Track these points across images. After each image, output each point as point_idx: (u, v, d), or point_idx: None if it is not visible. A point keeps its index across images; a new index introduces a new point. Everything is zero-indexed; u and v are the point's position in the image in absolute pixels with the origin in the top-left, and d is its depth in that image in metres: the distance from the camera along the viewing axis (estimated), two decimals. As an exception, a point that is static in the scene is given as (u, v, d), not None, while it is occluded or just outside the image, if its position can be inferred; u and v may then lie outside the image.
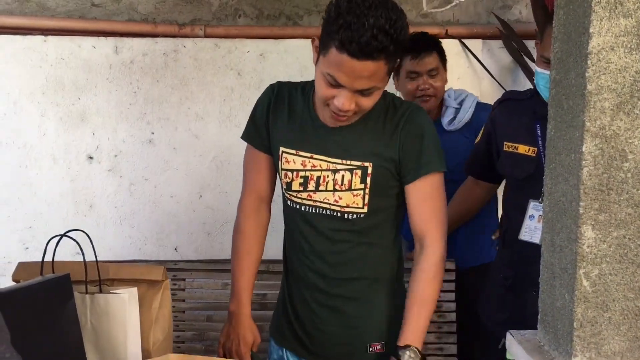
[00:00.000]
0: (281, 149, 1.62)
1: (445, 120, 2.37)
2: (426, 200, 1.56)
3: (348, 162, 1.56)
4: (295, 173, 1.60)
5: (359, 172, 1.56)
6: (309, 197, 1.60)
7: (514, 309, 1.84)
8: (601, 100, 1.13)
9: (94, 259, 1.28)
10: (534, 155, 1.82)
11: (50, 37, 2.71)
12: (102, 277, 1.30)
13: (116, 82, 2.73)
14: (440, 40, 2.43)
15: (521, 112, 1.87)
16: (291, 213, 1.66)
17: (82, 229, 1.25)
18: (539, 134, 1.81)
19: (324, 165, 1.57)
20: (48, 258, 1.23)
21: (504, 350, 1.82)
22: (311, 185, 1.59)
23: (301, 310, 1.67)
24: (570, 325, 1.19)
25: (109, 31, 2.74)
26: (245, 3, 2.82)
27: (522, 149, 1.84)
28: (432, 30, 2.71)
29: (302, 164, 1.59)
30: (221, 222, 2.81)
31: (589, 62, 1.12)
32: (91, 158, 2.77)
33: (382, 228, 1.63)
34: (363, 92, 1.44)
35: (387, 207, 1.61)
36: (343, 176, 1.56)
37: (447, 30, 2.70)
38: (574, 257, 1.17)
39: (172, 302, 2.23)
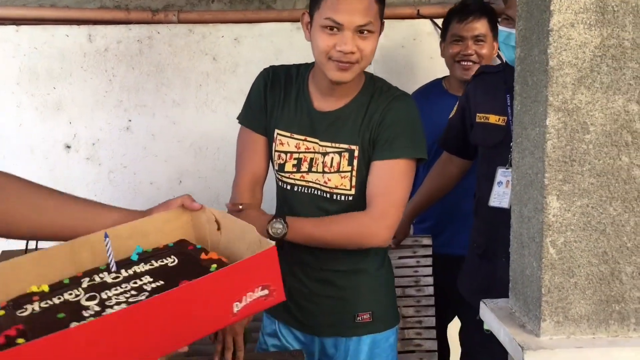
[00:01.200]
0: (276, 131, 1.68)
1: None
2: (383, 180, 1.59)
3: (337, 144, 1.63)
4: (289, 155, 1.66)
5: (346, 154, 1.62)
6: (301, 178, 1.66)
7: (485, 276, 1.91)
8: (563, 76, 1.18)
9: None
10: (504, 124, 1.88)
11: (22, 27, 2.69)
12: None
13: (91, 70, 2.72)
14: (493, 9, 2.34)
15: (493, 84, 1.94)
16: (283, 193, 1.72)
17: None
18: (509, 104, 1.88)
19: (316, 148, 1.63)
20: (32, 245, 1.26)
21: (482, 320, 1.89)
22: (304, 167, 1.65)
23: (292, 285, 1.72)
24: (538, 291, 1.25)
25: (82, 19, 2.72)
26: (218, -13, 2.82)
27: (493, 118, 1.91)
28: (403, 10, 2.75)
29: (296, 146, 1.65)
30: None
31: (550, 39, 1.17)
32: (69, 147, 2.77)
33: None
34: (361, 32, 1.51)
35: None
36: (332, 158, 1.62)
37: (419, 10, 2.73)
38: (540, 227, 1.23)
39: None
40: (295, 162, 1.66)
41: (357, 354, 1.71)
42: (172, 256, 1.08)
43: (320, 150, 1.63)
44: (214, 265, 1.00)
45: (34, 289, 1.01)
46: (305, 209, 1.67)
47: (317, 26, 1.54)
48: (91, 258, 1.06)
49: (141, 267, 1.05)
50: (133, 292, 0.97)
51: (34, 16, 2.72)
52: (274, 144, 1.68)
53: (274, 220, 1.57)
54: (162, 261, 1.06)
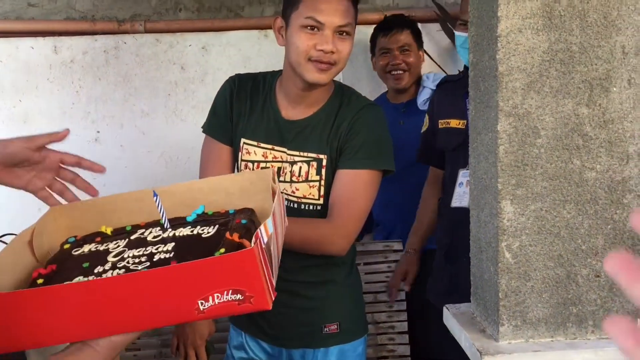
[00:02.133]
0: (242, 140, 1.65)
1: (420, 100, 2.47)
2: (347, 190, 1.57)
3: (305, 154, 1.61)
4: (255, 164, 1.64)
5: (314, 163, 1.60)
6: None
7: (450, 278, 1.92)
8: (512, 81, 1.18)
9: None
10: (463, 127, 1.91)
11: (-14, 40, 2.67)
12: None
13: (57, 82, 2.70)
14: (414, 21, 2.56)
15: (454, 91, 1.98)
16: None
17: (16, 233, 1.25)
18: (467, 108, 1.87)
19: (284, 157, 1.62)
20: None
21: None
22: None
23: None
24: (496, 295, 1.25)
25: (47, 31, 2.70)
26: (185, -4, 2.81)
27: (454, 123, 1.96)
28: (371, 16, 2.76)
29: (263, 156, 1.63)
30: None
31: (498, 44, 1.17)
32: (37, 160, 2.73)
33: None
34: (340, 33, 1.52)
35: None
36: (300, 167, 1.61)
37: (385, 15, 2.73)
38: (495, 231, 1.23)
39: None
40: None
41: None
42: (216, 226, 1.05)
43: (288, 160, 1.62)
44: (222, 250, 0.94)
45: (102, 229, 1.11)
46: None
47: (295, 27, 1.53)
48: (166, 208, 1.07)
49: (181, 232, 1.05)
50: (142, 259, 0.98)
51: (-1, 29, 2.69)
52: (240, 154, 1.67)
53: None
54: (203, 229, 1.05)
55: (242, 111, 1.67)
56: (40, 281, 0.97)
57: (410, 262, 2.23)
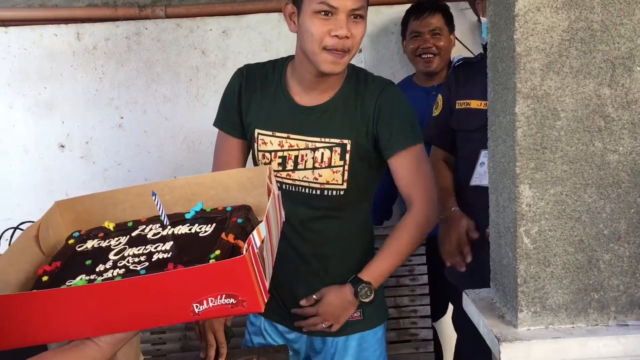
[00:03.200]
0: (256, 131, 1.65)
1: None
2: (410, 171, 1.62)
3: (327, 139, 1.60)
4: (273, 154, 1.64)
5: (338, 149, 1.59)
6: (287, 177, 1.64)
7: (476, 261, 1.89)
8: (530, 61, 1.15)
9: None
10: (485, 108, 1.84)
11: (11, 28, 2.69)
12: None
13: (81, 68, 2.72)
14: (446, 4, 2.55)
15: (473, 72, 1.94)
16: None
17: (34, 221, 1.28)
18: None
19: (302, 145, 1.61)
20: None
21: None
22: (289, 165, 1.63)
23: (279, 284, 1.72)
24: (514, 281, 1.23)
25: (70, 18, 2.71)
26: (205, -20, 2.80)
27: (475, 103, 1.91)
28: (395, -6, 2.71)
29: (279, 145, 1.63)
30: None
31: (516, 24, 1.14)
32: (63, 146, 2.77)
33: (357, 202, 1.69)
34: (354, 16, 1.51)
35: (364, 183, 1.67)
36: (323, 154, 1.60)
37: (408, -5, 2.69)
38: (514, 216, 1.21)
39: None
40: (280, 160, 1.64)
41: (346, 349, 1.71)
42: (213, 224, 1.09)
43: (309, 146, 1.61)
44: (217, 252, 0.98)
45: (106, 224, 1.14)
46: (292, 208, 1.65)
47: (308, 13, 1.51)
48: (165, 203, 1.10)
49: (180, 229, 1.09)
50: (142, 259, 1.02)
51: (23, 17, 2.72)
52: (255, 145, 1.66)
53: (359, 288, 1.61)
54: (200, 227, 1.08)
55: (252, 102, 1.66)
56: (45, 278, 1.01)
57: (462, 218, 1.91)
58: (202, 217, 1.13)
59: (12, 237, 1.25)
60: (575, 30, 1.14)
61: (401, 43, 2.62)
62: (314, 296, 1.66)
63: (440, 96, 2.11)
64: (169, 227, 1.09)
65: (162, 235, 1.08)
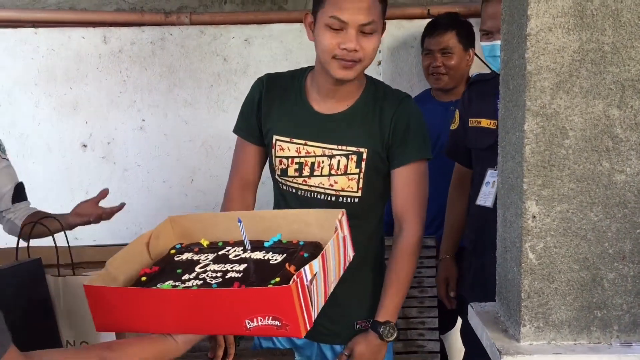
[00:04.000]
0: (275, 137, 1.69)
1: None
2: (409, 185, 1.65)
3: (344, 147, 1.64)
4: (290, 160, 1.67)
5: (354, 157, 1.63)
6: (304, 182, 1.67)
7: (476, 272, 1.91)
8: (541, 80, 1.17)
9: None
10: (494, 127, 1.90)
11: (40, 29, 2.77)
12: (79, 260, 1.38)
13: (106, 71, 2.78)
14: (465, 21, 2.54)
15: (486, 90, 1.97)
16: (285, 197, 1.73)
17: (54, 216, 1.33)
18: (498, 108, 1.87)
19: (319, 152, 1.64)
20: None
21: None
22: (306, 171, 1.66)
23: None
24: (518, 296, 1.25)
25: (98, 21, 2.78)
26: (230, -11, 2.85)
27: (485, 122, 1.95)
28: (414, 10, 2.75)
29: (296, 151, 1.67)
30: (213, 205, 2.87)
31: (528, 43, 1.16)
32: (85, 146, 2.84)
33: (370, 211, 1.71)
34: (364, 31, 1.54)
35: (378, 191, 1.70)
36: (339, 161, 1.64)
37: (429, 10, 2.72)
38: (520, 231, 1.23)
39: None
40: (297, 166, 1.67)
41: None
42: (284, 255, 1.23)
43: (326, 154, 1.64)
44: (277, 279, 1.11)
45: (202, 241, 1.33)
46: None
47: (321, 25, 1.56)
48: (256, 231, 1.29)
49: (257, 255, 1.25)
50: (217, 275, 1.18)
51: (52, 19, 2.80)
52: (273, 150, 1.70)
53: (381, 330, 1.64)
54: (273, 256, 1.23)
55: (272, 110, 1.70)
56: (144, 279, 1.20)
57: (446, 267, 2.22)
58: (278, 247, 1.28)
59: (31, 230, 1.30)
60: (586, 51, 1.16)
61: (412, 56, 2.68)
62: (345, 352, 1.69)
63: (457, 110, 2.13)
64: (249, 251, 1.26)
65: (241, 257, 1.24)
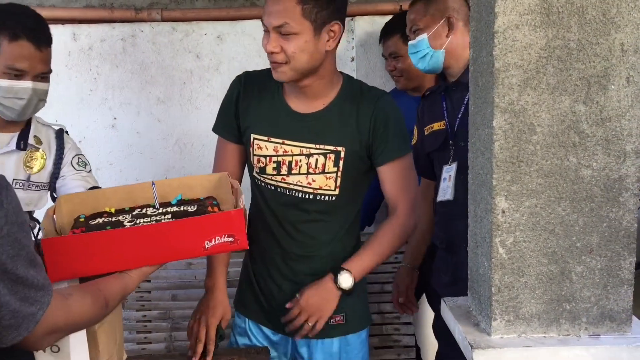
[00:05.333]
0: (252, 135, 1.69)
1: None
2: (398, 180, 1.70)
3: (321, 146, 1.65)
4: (268, 158, 1.68)
5: (332, 156, 1.64)
6: (282, 180, 1.68)
7: (454, 269, 1.93)
8: (509, 77, 1.18)
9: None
10: (444, 127, 1.97)
11: (7, 26, 2.72)
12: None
13: (76, 68, 2.75)
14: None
15: (435, 99, 2.04)
16: (263, 193, 1.73)
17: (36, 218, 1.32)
18: (445, 108, 1.97)
19: (296, 151, 1.65)
20: None
21: None
22: (284, 170, 1.67)
23: (265, 285, 1.75)
24: (489, 290, 1.26)
25: (67, 18, 2.74)
26: (202, -15, 2.83)
27: (436, 125, 2.01)
28: (385, 6, 2.76)
29: (274, 150, 1.67)
30: (187, 204, 2.87)
31: (495, 40, 1.18)
32: (56, 145, 2.79)
33: (347, 209, 1.74)
34: (281, 33, 1.55)
35: (355, 190, 1.73)
36: (317, 160, 1.65)
37: (401, 5, 2.72)
38: (490, 227, 1.24)
39: (137, 283, 2.30)
40: (275, 165, 1.68)
41: (330, 349, 1.73)
42: (195, 205, 1.40)
43: (304, 152, 1.65)
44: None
45: (107, 209, 1.45)
46: (285, 210, 1.70)
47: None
48: (148, 198, 1.46)
49: (171, 209, 1.40)
50: (153, 221, 1.34)
51: (20, 16, 2.74)
52: (251, 149, 1.70)
53: (340, 274, 1.66)
54: (186, 208, 1.39)
55: (250, 108, 1.71)
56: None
57: (404, 275, 2.20)
58: (184, 202, 1.44)
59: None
60: (552, 48, 1.17)
61: None
62: (297, 295, 1.69)
63: (415, 126, 2.16)
64: (161, 208, 1.40)
65: (159, 212, 1.38)
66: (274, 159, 1.67)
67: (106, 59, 2.75)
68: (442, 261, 2.02)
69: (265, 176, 1.70)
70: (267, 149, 1.68)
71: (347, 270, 1.66)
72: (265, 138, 1.68)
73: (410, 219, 1.72)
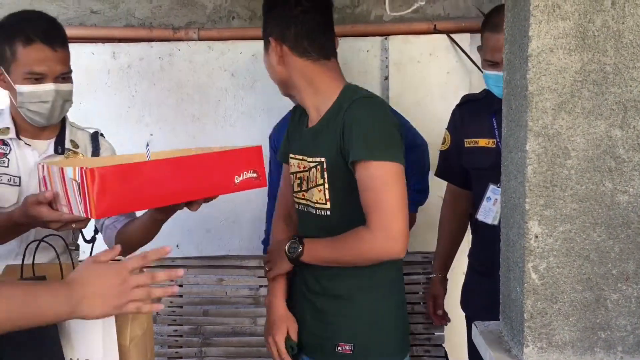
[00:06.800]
0: (290, 154, 1.73)
1: None
2: (366, 191, 1.50)
3: (313, 158, 1.62)
4: (294, 175, 1.69)
5: (319, 167, 1.60)
6: (302, 197, 1.68)
7: (488, 294, 1.90)
8: (542, 101, 1.17)
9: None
10: (494, 146, 1.93)
11: (51, 45, 2.80)
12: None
13: (115, 86, 2.81)
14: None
15: (478, 110, 2.00)
16: (297, 213, 1.74)
17: (59, 234, 1.34)
18: (495, 126, 1.93)
19: (307, 165, 1.64)
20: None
21: None
22: (304, 185, 1.66)
23: (293, 299, 1.75)
24: (521, 316, 1.24)
25: (107, 37, 2.82)
26: (238, 5, 2.87)
27: (482, 142, 1.97)
28: (420, 25, 2.76)
29: (298, 166, 1.68)
30: (220, 220, 2.89)
31: (529, 64, 1.17)
32: (94, 160, 2.86)
33: (347, 227, 1.56)
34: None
35: (350, 205, 1.57)
36: (312, 173, 1.62)
37: (435, 25, 2.73)
38: (522, 252, 1.22)
39: (170, 297, 2.33)
40: (298, 181, 1.68)
41: None
42: None
43: (308, 167, 1.64)
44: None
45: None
46: (304, 228, 1.70)
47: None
48: None
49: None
50: None
51: (63, 35, 2.83)
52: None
53: (292, 240, 1.63)
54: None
55: (294, 129, 1.75)
56: None
57: (436, 286, 2.21)
58: None
59: (36, 249, 1.31)
60: (587, 72, 1.16)
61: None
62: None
63: (447, 131, 2.14)
64: None
65: None
66: (298, 175, 1.68)
67: (144, 77, 2.81)
68: (476, 285, 2.00)
69: (294, 194, 1.71)
70: (294, 166, 1.69)
71: (300, 242, 1.60)
72: (293, 155, 1.70)
73: (379, 239, 1.47)
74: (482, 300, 1.96)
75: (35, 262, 1.31)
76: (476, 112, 2.00)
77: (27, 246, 1.33)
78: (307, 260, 1.60)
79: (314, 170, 1.62)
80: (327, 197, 1.60)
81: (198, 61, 2.81)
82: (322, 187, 1.61)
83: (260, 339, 2.32)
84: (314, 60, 1.61)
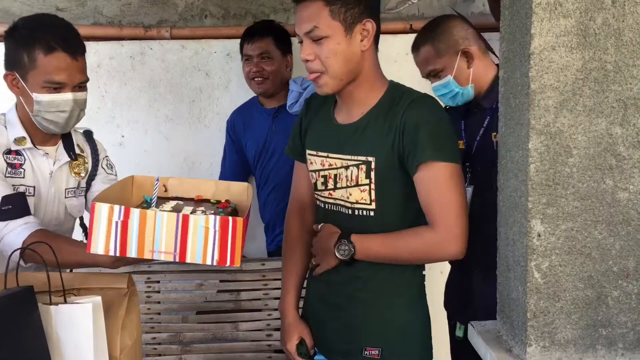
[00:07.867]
0: (307, 151, 1.67)
1: (288, 103, 2.50)
2: (429, 189, 1.48)
3: (355, 157, 1.55)
4: (317, 173, 1.63)
5: (363, 167, 1.54)
6: (329, 196, 1.62)
7: (463, 291, 1.91)
8: (545, 99, 1.17)
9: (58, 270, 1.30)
10: (463, 147, 1.91)
11: (15, 44, 2.69)
12: (68, 287, 1.31)
13: (84, 86, 2.72)
14: (281, 27, 2.58)
15: (454, 116, 1.94)
16: (319, 212, 1.68)
17: (45, 241, 1.27)
18: (463, 128, 1.93)
19: (339, 163, 1.58)
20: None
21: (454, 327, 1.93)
22: (330, 184, 1.60)
23: (313, 304, 1.71)
24: (524, 315, 1.24)
25: (75, 35, 2.72)
26: (211, 3, 2.81)
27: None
28: (396, 25, 2.75)
29: (321, 164, 1.62)
30: (195, 223, 2.83)
31: (531, 62, 1.16)
32: (62, 163, 2.76)
33: (391, 227, 1.55)
34: (313, 39, 1.48)
35: (396, 205, 1.55)
36: (352, 172, 1.56)
37: (411, 24, 2.72)
38: (525, 250, 1.22)
39: (147, 304, 2.26)
40: (322, 179, 1.62)
41: None
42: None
43: (344, 165, 1.57)
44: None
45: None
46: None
47: None
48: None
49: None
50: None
51: (27, 33, 2.71)
52: (307, 165, 1.68)
53: (340, 241, 1.55)
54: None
55: (309, 124, 1.69)
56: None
57: None
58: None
59: (20, 258, 1.24)
60: (589, 70, 1.16)
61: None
62: (319, 226, 1.64)
63: None
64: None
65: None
66: (322, 173, 1.62)
67: (114, 77, 2.73)
68: (454, 283, 2.01)
69: (317, 193, 1.65)
70: (316, 163, 1.63)
71: (351, 244, 1.54)
72: (314, 152, 1.64)
73: (443, 239, 1.47)
74: (459, 298, 1.97)
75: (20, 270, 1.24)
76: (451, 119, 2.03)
77: (11, 254, 1.25)
78: (359, 258, 1.56)
79: (353, 169, 1.55)
80: (373, 197, 1.54)
81: (171, 60, 2.74)
82: (366, 187, 1.54)
83: (243, 345, 2.29)
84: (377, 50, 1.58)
